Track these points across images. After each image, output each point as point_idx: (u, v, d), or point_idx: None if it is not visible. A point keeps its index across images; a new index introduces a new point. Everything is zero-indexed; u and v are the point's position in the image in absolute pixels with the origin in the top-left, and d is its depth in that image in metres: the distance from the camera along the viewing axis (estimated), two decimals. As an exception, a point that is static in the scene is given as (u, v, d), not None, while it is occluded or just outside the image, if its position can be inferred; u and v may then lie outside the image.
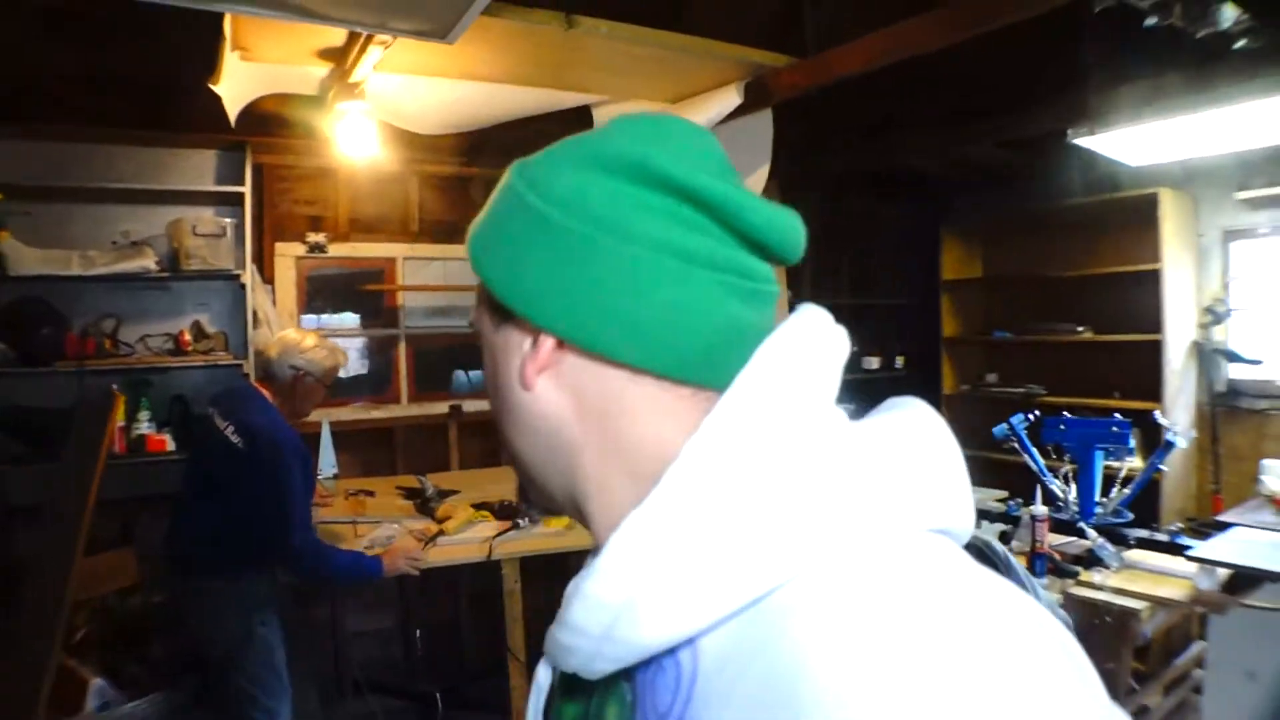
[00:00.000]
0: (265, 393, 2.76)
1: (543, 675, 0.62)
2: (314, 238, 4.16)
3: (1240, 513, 3.54)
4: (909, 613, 0.42)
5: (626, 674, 0.51)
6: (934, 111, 4.13)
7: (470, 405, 4.63)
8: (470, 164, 4.54)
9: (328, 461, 3.98)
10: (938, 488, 0.51)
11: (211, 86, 2.84)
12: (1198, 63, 2.63)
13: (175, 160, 3.90)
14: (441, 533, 3.14)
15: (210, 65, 2.78)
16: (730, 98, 3.20)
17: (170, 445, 3.68)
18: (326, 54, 2.82)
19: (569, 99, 3.41)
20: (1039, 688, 0.40)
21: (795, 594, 0.45)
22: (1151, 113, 2.60)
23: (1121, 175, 3.83)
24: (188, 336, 3.81)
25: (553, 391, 0.57)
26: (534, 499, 0.66)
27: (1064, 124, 3.02)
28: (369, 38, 2.44)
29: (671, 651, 0.48)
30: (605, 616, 0.48)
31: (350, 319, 4.48)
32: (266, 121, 3.75)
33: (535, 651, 3.16)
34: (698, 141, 0.59)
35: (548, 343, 0.55)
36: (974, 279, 5.42)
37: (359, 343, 4.53)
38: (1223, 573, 2.68)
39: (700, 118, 3.22)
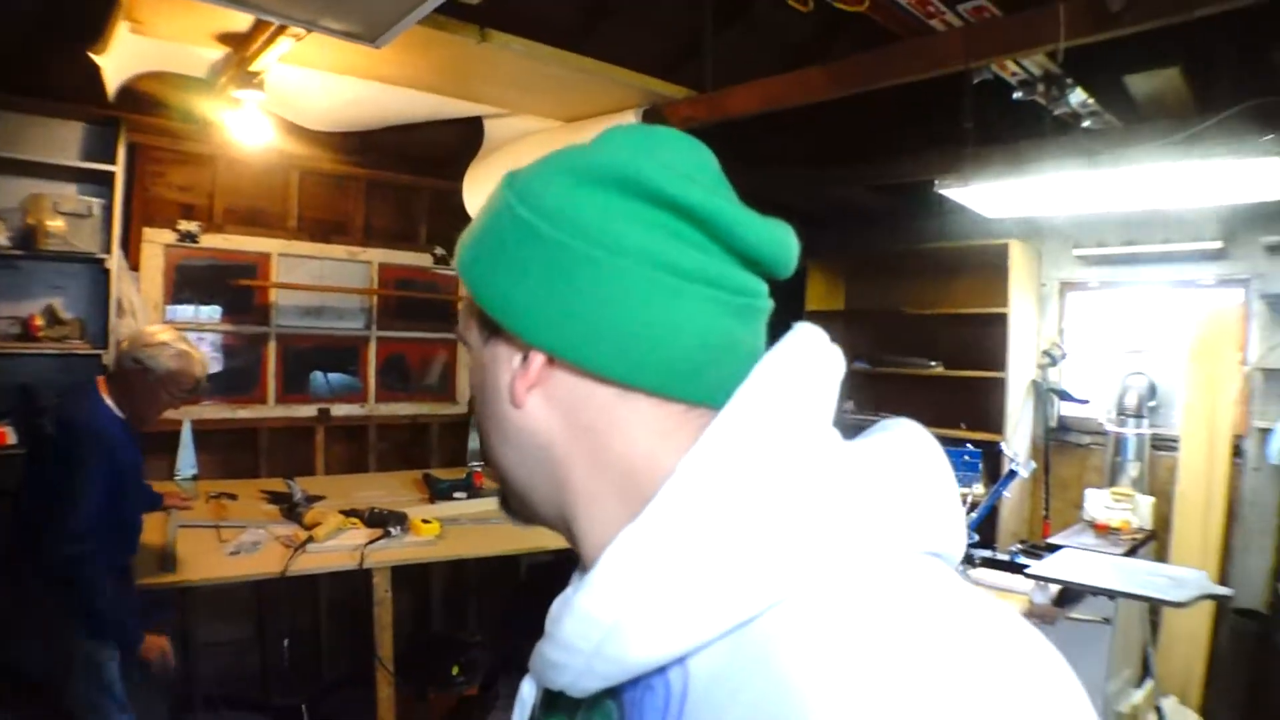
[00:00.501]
0: (103, 388, 2.55)
1: (527, 691, 0.61)
2: (186, 226, 3.97)
3: (1067, 535, 3.92)
4: (902, 635, 0.42)
5: (613, 692, 0.50)
6: (812, 151, 4.36)
7: (339, 409, 4.52)
8: (355, 163, 4.45)
9: (187, 462, 3.81)
10: (930, 511, 0.51)
11: (94, 56, 2.70)
12: (1053, 134, 2.95)
13: (36, 129, 3.58)
14: (310, 539, 3.06)
15: (93, 32, 2.65)
16: (627, 122, 3.29)
17: (11, 439, 3.39)
18: (227, 38, 2.74)
19: (466, 108, 3.43)
20: (1035, 711, 0.40)
21: (788, 615, 0.44)
22: (1011, 172, 2.87)
23: (977, 225, 4.17)
24: (39, 321, 3.52)
25: (543, 408, 0.56)
26: (516, 511, 0.64)
27: (930, 174, 3.28)
28: (280, 28, 2.39)
29: (661, 671, 0.47)
30: (596, 633, 0.47)
31: (214, 312, 4.27)
32: (142, 98, 3.54)
33: (398, 660, 3.13)
34: (691, 154, 0.59)
35: (538, 359, 0.55)
36: (837, 311, 5.68)
37: (223, 339, 4.32)
38: (1054, 588, 2.98)
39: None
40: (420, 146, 4.33)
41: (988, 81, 2.68)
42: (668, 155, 0.56)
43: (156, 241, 3.94)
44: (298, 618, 4.18)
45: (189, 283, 4.14)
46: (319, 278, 4.44)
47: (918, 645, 0.41)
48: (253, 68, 2.79)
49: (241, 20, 2.55)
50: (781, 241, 0.56)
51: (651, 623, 0.46)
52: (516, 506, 0.63)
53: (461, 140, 3.83)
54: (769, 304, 0.59)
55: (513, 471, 0.60)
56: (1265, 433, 3.93)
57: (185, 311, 4.17)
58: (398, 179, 4.62)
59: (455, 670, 3.90)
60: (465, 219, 3.41)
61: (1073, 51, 2.36)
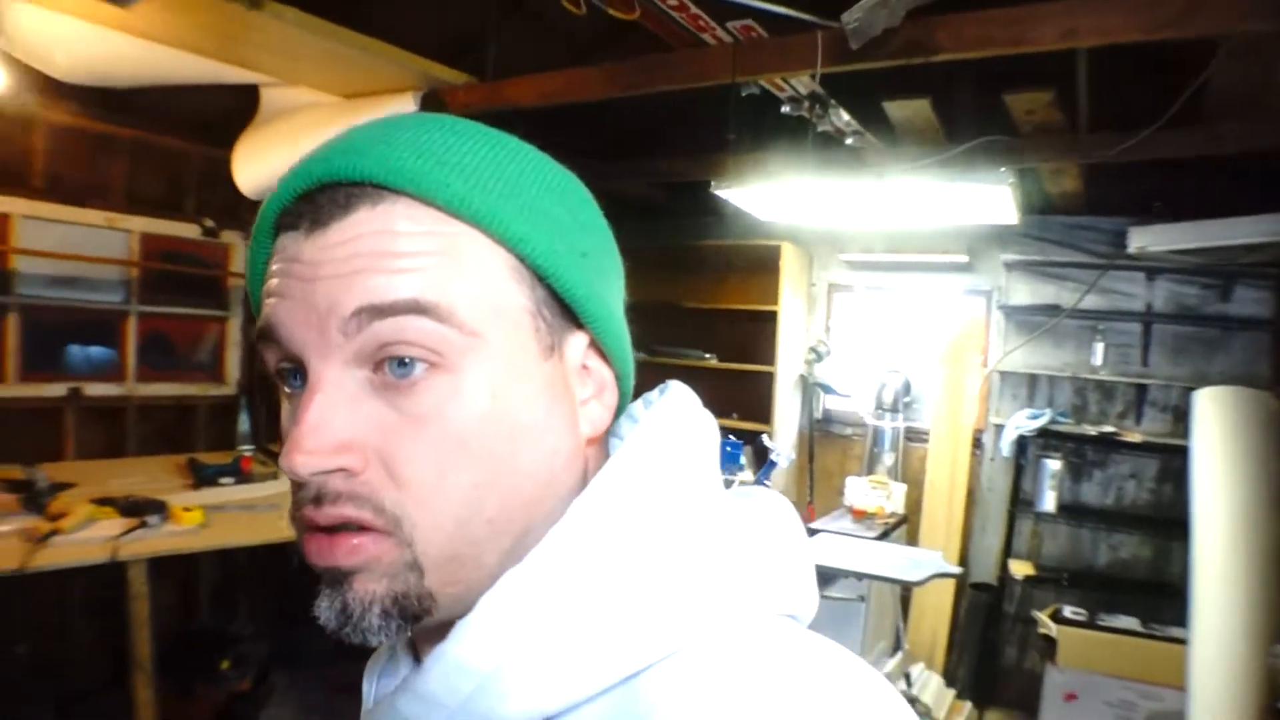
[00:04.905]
0: None
1: None
2: (-104, 177, 3.52)
3: (828, 520, 4.23)
4: (777, 698, 0.41)
5: None
6: (597, 145, 4.43)
7: (93, 389, 4.16)
8: (116, 122, 4.07)
9: (-101, 446, 3.39)
10: (790, 576, 0.49)
11: None
12: (818, 147, 3.15)
13: None
14: (55, 531, 2.81)
15: None
16: (406, 105, 3.20)
17: None
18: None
19: (238, 74, 3.23)
20: None
21: (665, 675, 0.42)
22: (776, 177, 3.06)
23: (752, 226, 4.38)
24: None
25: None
26: (435, 606, 0.46)
27: (706, 175, 3.43)
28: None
29: None
30: (468, 684, 0.42)
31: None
32: None
33: (163, 659, 2.95)
34: None
35: (608, 374, 0.53)
36: (616, 302, 5.80)
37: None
38: (808, 571, 3.21)
39: (373, 119, 3.21)
40: (190, 110, 4.02)
41: (761, 94, 2.84)
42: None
43: None
44: (45, 620, 3.82)
45: (-92, 244, 3.67)
46: (71, 245, 4.04)
47: (792, 707, 0.40)
48: (-18, 6, 2.52)
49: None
50: None
51: (533, 674, 0.41)
52: (442, 595, 0.46)
53: (236, 106, 3.60)
54: None
55: (497, 533, 0.46)
56: (1000, 428, 4.39)
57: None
58: (165, 142, 4.27)
59: (225, 665, 3.73)
60: (237, 190, 3.18)
61: (839, 75, 2.53)
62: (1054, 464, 4.17)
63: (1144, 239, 3.76)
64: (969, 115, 3.18)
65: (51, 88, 3.47)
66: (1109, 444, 4.12)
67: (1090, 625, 3.70)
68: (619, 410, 0.54)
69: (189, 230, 4.42)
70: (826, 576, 3.36)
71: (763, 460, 3.80)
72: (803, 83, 2.82)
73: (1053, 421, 4.21)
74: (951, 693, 3.94)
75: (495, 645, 0.42)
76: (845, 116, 3.05)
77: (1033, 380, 4.45)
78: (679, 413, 0.53)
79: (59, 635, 3.88)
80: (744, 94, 2.68)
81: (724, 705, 0.40)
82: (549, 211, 0.48)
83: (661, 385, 0.57)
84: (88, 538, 2.84)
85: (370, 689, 0.57)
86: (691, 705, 0.40)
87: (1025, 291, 4.44)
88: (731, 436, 3.51)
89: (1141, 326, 4.17)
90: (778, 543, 0.50)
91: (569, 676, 0.41)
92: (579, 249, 0.48)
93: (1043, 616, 3.80)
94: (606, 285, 0.50)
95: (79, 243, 4.06)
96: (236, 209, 4.42)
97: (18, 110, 3.69)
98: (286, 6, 2.60)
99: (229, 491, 3.61)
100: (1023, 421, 4.23)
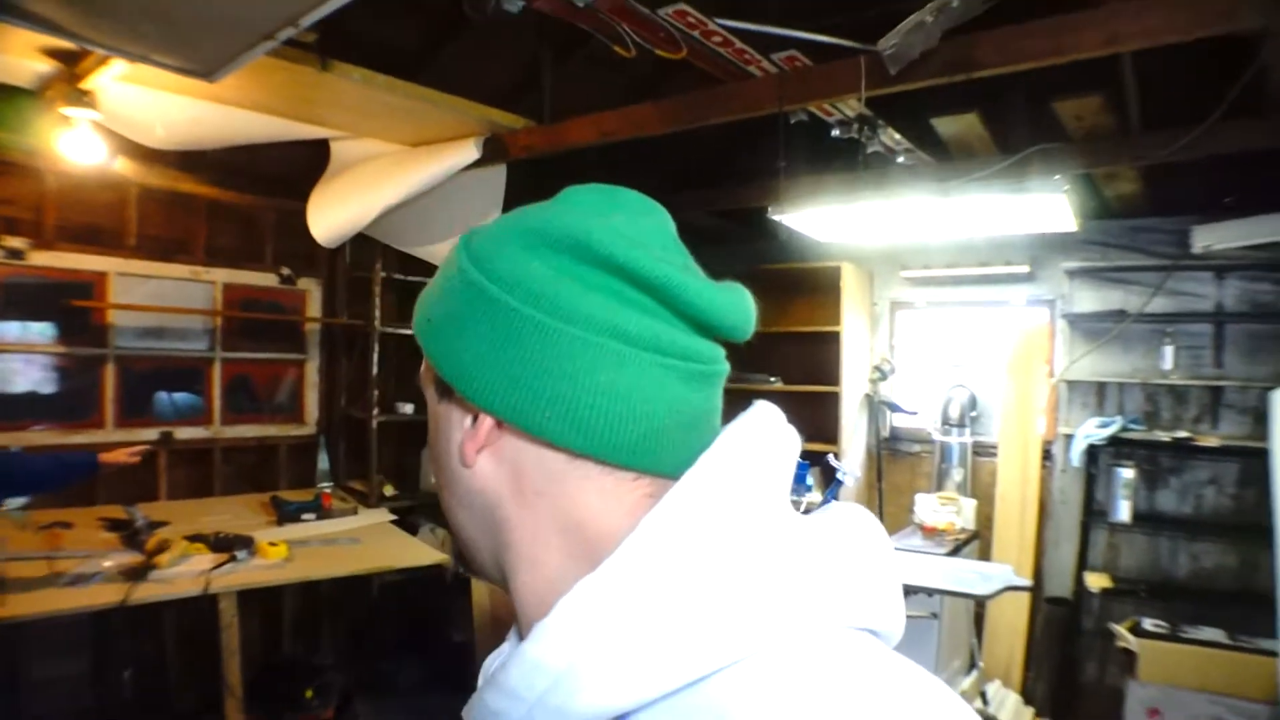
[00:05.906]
0: None
1: None
2: (10, 242, 3.77)
3: (898, 538, 4.20)
4: (840, 708, 0.44)
5: None
6: (652, 179, 4.52)
7: (182, 432, 4.37)
8: (197, 181, 4.31)
9: (15, 490, 3.60)
10: (869, 590, 0.52)
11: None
12: (870, 167, 3.19)
13: None
14: (153, 566, 2.98)
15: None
16: (469, 151, 3.32)
17: None
18: (55, 54, 2.66)
19: (310, 131, 3.42)
20: None
21: (733, 681, 0.45)
22: (830, 200, 3.09)
23: (812, 248, 4.41)
24: None
25: (491, 469, 0.57)
26: (467, 565, 0.64)
27: (763, 200, 3.48)
28: (110, 52, 2.35)
29: None
30: (542, 681, 0.47)
31: (48, 330, 4.06)
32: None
33: (250, 688, 3.08)
34: (644, 218, 0.59)
35: (487, 422, 0.55)
36: (682, 330, 5.84)
37: (57, 361, 4.12)
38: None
39: (437, 166, 3.35)
40: (265, 166, 4.25)
41: (813, 119, 2.90)
42: (620, 219, 0.56)
43: (-25, 259, 3.73)
44: (143, 649, 4.02)
45: (17, 302, 3.93)
46: (159, 298, 4.28)
47: (850, 715, 0.44)
48: (84, 85, 2.73)
49: (69, 39, 2.49)
50: (735, 307, 0.57)
51: (603, 673, 0.45)
52: (469, 560, 0.63)
53: (307, 160, 3.80)
54: (725, 368, 0.60)
55: (462, 527, 0.61)
56: (1069, 438, 4.33)
57: (12, 329, 3.96)
58: (242, 198, 4.50)
59: (309, 694, 3.85)
60: (311, 238, 3.35)
61: (886, 97, 2.58)
62: (1127, 473, 4.08)
63: (1209, 237, 3.69)
64: (1021, 125, 3.19)
65: (138, 153, 3.71)
66: (1184, 450, 4.02)
67: (1172, 638, 3.61)
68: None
69: (267, 279, 4.64)
70: (897, 594, 3.34)
71: (830, 480, 3.80)
72: (850, 106, 2.87)
73: (1124, 429, 4.12)
74: (1030, 710, 3.87)
75: (568, 645, 0.46)
76: (895, 136, 3.09)
77: (1101, 388, 4.38)
78: (754, 430, 0.57)
79: (159, 665, 4.07)
80: (792, 121, 2.74)
81: (787, 710, 0.43)
82: (429, 290, 0.61)
83: (752, 403, 0.60)
84: (182, 572, 3.01)
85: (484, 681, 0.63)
86: (756, 709, 0.44)
87: (1089, 298, 4.38)
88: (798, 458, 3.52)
89: (1213, 327, 4.07)
90: (853, 555, 0.52)
91: (638, 677, 0.45)
92: (425, 316, 0.59)
93: (1121, 629, 3.72)
94: (460, 341, 0.55)
95: (166, 295, 4.30)
96: (311, 257, 4.64)
97: (113, 177, 3.95)
98: (352, 66, 2.76)
99: (311, 527, 3.76)
100: (1093, 430, 4.15)
